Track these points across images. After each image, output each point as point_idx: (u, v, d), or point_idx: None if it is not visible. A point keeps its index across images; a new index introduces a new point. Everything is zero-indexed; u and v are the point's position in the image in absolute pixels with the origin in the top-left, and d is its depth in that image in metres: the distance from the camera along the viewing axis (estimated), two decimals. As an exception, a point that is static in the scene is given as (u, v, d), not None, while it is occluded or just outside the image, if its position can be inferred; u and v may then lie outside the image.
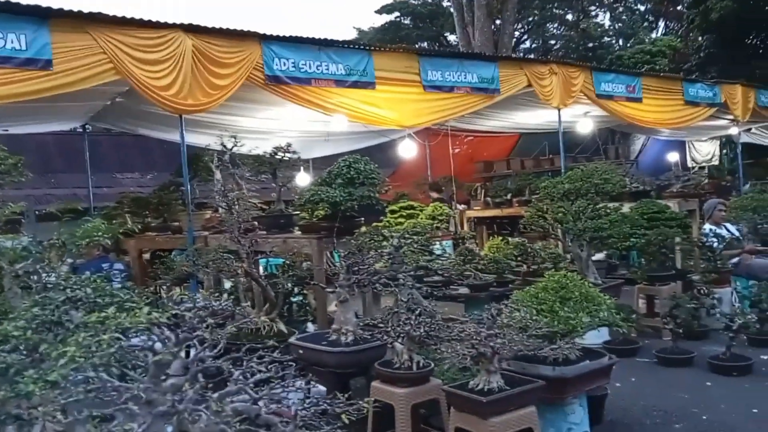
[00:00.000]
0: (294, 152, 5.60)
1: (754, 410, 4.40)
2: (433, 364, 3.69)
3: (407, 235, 4.83)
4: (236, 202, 4.92)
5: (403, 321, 3.63)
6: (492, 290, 6.28)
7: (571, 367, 3.54)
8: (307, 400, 1.78)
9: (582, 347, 3.81)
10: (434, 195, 9.98)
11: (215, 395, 1.67)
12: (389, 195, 10.21)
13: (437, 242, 8.15)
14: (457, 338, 3.22)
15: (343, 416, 1.80)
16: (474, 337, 3.11)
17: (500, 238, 7.82)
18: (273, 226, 5.64)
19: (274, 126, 8.23)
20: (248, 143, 5.98)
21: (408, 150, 8.37)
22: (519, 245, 6.61)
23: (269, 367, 1.97)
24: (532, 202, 6.30)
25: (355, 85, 7.00)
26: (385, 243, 5.01)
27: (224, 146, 5.60)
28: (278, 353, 2.04)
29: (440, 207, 8.29)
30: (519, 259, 6.73)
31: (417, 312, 3.69)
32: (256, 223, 5.53)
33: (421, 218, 8.10)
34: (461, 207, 10.36)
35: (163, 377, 1.76)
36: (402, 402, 3.48)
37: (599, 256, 9.69)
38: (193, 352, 1.83)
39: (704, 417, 4.33)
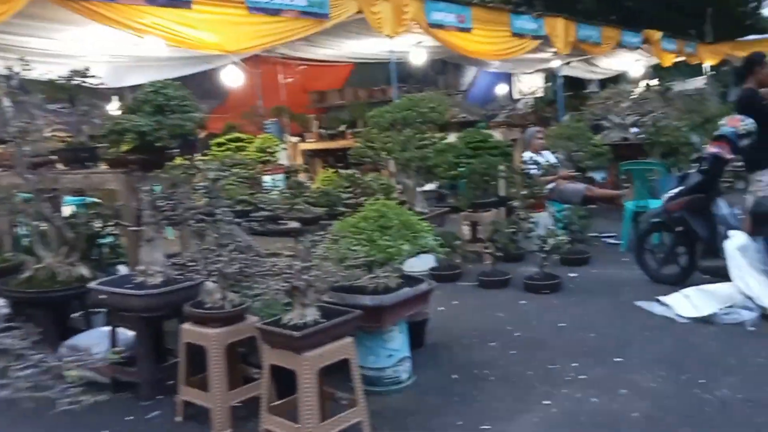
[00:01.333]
0: (93, 77, 4.96)
1: (561, 324, 4.73)
2: (249, 302, 3.50)
3: (225, 167, 4.51)
4: (24, 133, 4.28)
5: (215, 258, 3.37)
6: (322, 223, 6.16)
7: (389, 296, 3.52)
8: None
9: (403, 275, 3.82)
10: None
11: None
12: (218, 127, 9.66)
13: (268, 176, 7.86)
14: (270, 273, 3.04)
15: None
16: (287, 271, 2.95)
17: (332, 170, 7.69)
18: (74, 160, 5.00)
19: (76, 49, 7.30)
20: (42, 68, 5.25)
21: (233, 78, 7.86)
22: (349, 177, 6.51)
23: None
24: (361, 133, 6.19)
25: (170, 4, 6.36)
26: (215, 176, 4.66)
27: (10, 70, 4.84)
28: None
29: (270, 139, 7.95)
30: (350, 190, 6.65)
31: (230, 248, 3.44)
32: (54, 157, 4.91)
33: (250, 151, 7.74)
34: (294, 139, 10.06)
35: None
36: (214, 343, 3.27)
37: (430, 186, 9.95)
38: None
39: (517, 333, 4.59)
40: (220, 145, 8.08)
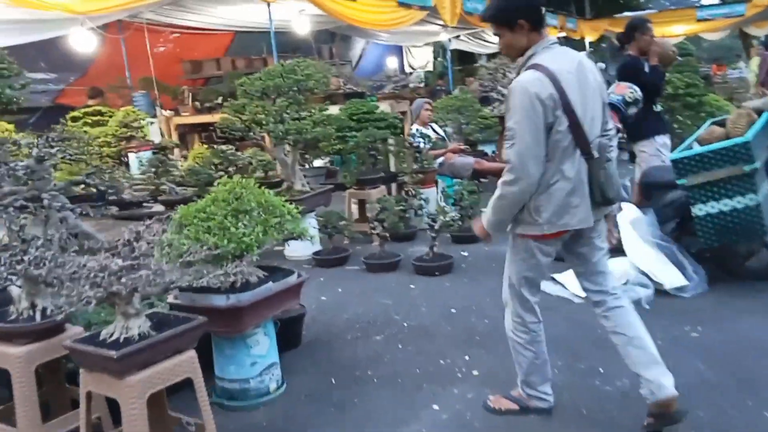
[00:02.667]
0: None
1: (452, 309, 4.34)
2: (67, 308, 2.80)
3: (53, 143, 3.71)
4: None
5: (19, 257, 2.66)
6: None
7: (247, 293, 2.94)
8: None
9: (267, 266, 3.25)
10: (91, 102, 8.24)
11: None
12: (79, 101, 8.62)
13: (133, 153, 7.02)
14: (81, 276, 2.37)
15: None
16: (99, 274, 2.29)
17: (206, 146, 6.97)
18: None
19: None
20: None
21: (85, 44, 6.85)
22: (220, 153, 5.82)
23: None
24: (229, 103, 5.48)
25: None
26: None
27: None
28: None
29: (134, 112, 7.06)
30: (222, 168, 5.98)
31: (38, 244, 2.73)
32: None
33: (111, 126, 6.86)
34: (167, 113, 9.09)
35: None
36: (20, 364, 2.57)
37: (319, 162, 9.37)
38: None
39: (405, 324, 4.13)
40: (75, 119, 7.14)
